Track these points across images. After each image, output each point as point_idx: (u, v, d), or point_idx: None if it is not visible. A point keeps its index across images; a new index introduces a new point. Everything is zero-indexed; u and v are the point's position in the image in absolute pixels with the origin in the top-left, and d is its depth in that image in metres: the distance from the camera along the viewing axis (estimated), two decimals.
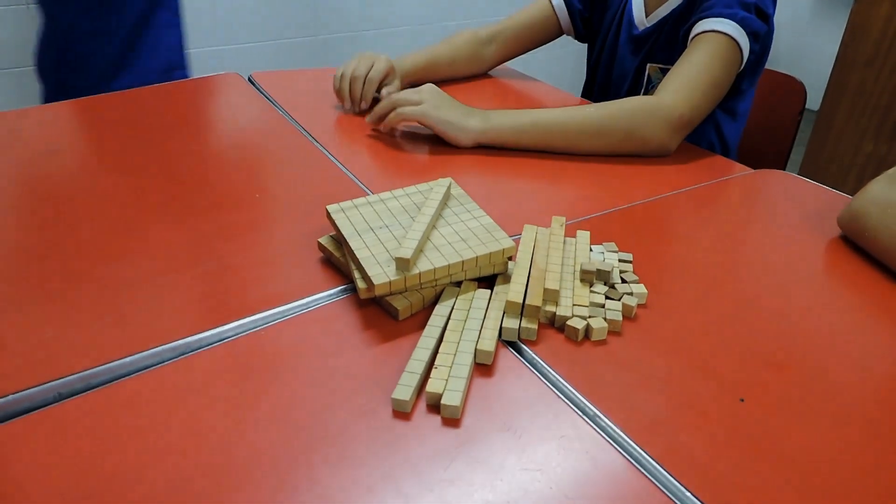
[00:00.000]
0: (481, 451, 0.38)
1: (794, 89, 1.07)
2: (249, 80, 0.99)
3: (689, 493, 0.36)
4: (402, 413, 0.41)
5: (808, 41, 2.91)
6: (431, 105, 0.80)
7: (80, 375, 0.43)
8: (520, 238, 0.56)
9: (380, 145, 0.81)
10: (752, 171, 0.80)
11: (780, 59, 2.74)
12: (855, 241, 0.61)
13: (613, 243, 0.58)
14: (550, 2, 1.04)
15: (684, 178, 0.76)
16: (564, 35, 1.09)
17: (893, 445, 0.40)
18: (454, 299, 0.49)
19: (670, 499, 0.36)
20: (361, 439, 0.39)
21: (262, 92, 0.94)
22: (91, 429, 0.39)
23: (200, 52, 1.94)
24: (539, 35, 1.08)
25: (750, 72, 0.89)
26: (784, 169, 1.12)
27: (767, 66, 0.96)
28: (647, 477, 0.37)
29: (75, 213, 0.63)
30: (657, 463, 0.38)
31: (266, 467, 0.37)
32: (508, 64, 1.14)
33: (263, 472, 0.36)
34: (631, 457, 0.38)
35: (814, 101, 1.64)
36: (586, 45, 1.11)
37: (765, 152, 1.12)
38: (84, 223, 0.61)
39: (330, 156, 0.77)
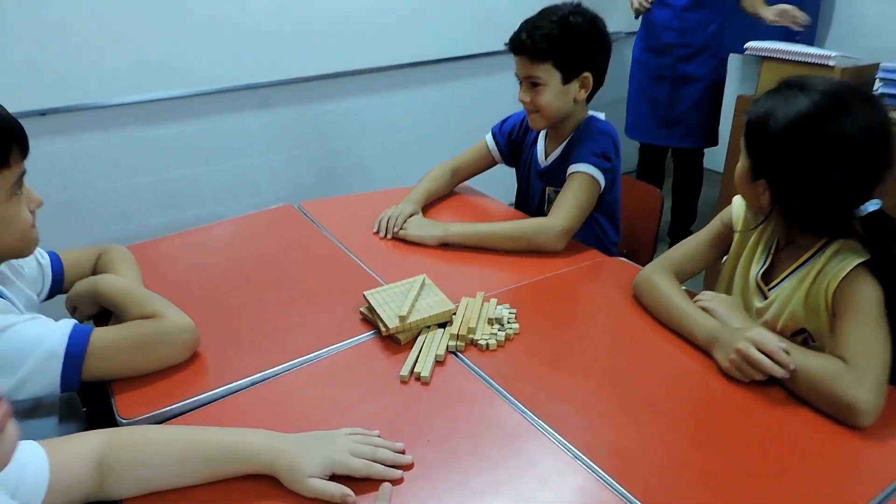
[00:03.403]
0: (439, 395, 0.97)
1: (653, 195, 1.70)
2: (300, 208, 1.61)
3: (532, 414, 0.94)
4: (404, 381, 0.99)
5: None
6: (410, 228, 1.45)
7: (264, 374, 1.01)
8: (458, 304, 1.15)
9: (387, 252, 1.42)
10: (603, 258, 1.40)
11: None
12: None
13: (507, 304, 1.17)
14: (487, 146, 1.69)
15: (560, 265, 1.36)
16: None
17: (648, 380, 0.99)
18: (427, 333, 1.08)
19: (524, 418, 0.94)
20: (386, 393, 0.97)
21: (309, 218, 1.56)
22: (280, 400, 0.97)
23: (222, 168, 2.58)
24: (482, 165, 1.72)
25: (608, 190, 1.50)
26: (654, 250, 1.73)
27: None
28: (510, 405, 0.95)
29: (224, 299, 1.22)
30: (516, 400, 0.96)
31: (340, 413, 0.95)
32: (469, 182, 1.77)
33: (340, 414, 0.95)
34: (505, 398, 0.97)
35: None
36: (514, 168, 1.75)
37: (639, 239, 1.74)
38: (230, 303, 1.20)
39: (358, 261, 1.37)
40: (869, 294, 0.97)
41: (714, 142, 2.78)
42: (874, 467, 0.83)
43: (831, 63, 2.08)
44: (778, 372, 0.94)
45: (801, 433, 0.89)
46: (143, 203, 2.42)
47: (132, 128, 2.35)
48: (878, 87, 2.05)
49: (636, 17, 2.62)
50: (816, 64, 2.12)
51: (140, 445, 0.81)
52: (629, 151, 3.25)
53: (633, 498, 0.78)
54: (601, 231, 1.60)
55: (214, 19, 2.33)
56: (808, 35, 3.13)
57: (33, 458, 0.73)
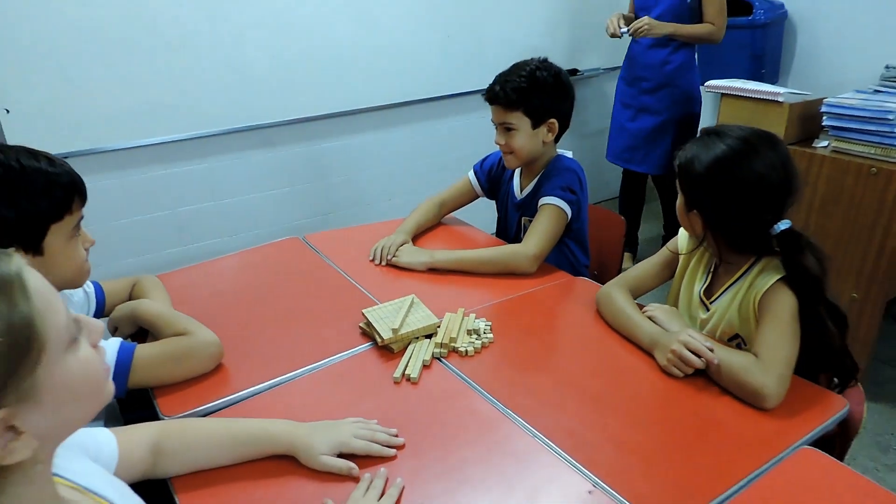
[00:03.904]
0: (426, 392, 1.18)
1: (618, 223, 1.93)
2: (304, 240, 1.84)
3: (502, 405, 1.16)
4: (397, 382, 1.21)
5: None
6: (401, 255, 1.67)
7: (280, 378, 1.22)
8: (442, 319, 1.37)
9: (381, 276, 1.65)
10: (571, 278, 1.63)
11: None
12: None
13: (484, 318, 1.39)
14: (470, 182, 1.92)
15: (532, 284, 1.58)
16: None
17: (607, 373, 1.20)
18: (416, 343, 1.30)
19: (498, 411, 1.16)
20: (382, 391, 1.19)
21: (313, 248, 1.79)
22: (294, 399, 1.19)
23: (228, 203, 2.81)
24: (466, 199, 1.96)
25: (575, 219, 1.73)
26: (620, 270, 1.96)
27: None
28: (484, 398, 1.17)
29: (242, 319, 1.44)
30: (489, 395, 1.18)
31: (345, 408, 1.16)
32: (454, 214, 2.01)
33: (345, 408, 1.16)
34: (480, 393, 1.18)
35: None
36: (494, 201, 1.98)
37: (607, 261, 1.97)
38: (248, 322, 1.42)
39: (357, 284, 1.59)
40: (784, 303, 1.20)
41: (669, 170, 3.04)
42: (774, 440, 1.04)
43: (780, 99, 2.33)
44: (702, 365, 1.17)
45: (722, 414, 1.10)
46: (157, 236, 2.65)
47: (145, 168, 2.58)
48: (824, 120, 2.29)
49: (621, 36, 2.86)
50: (767, 100, 2.37)
51: (186, 433, 1.03)
52: (611, 179, 3.52)
53: (581, 467, 1.00)
54: (572, 255, 1.83)
55: (219, 67, 2.58)
56: (773, 70, 3.41)
57: (107, 439, 0.94)
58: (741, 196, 1.21)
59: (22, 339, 0.57)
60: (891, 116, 2.09)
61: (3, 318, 0.55)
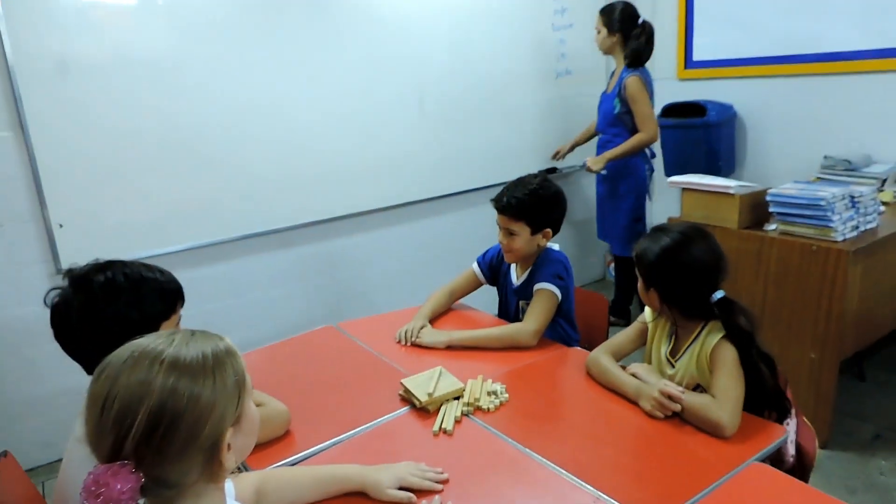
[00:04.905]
0: (459, 440, 1.53)
1: (602, 303, 2.34)
2: (338, 327, 2.21)
3: (520, 445, 1.51)
4: (436, 435, 1.55)
5: None
6: (424, 336, 2.05)
7: (339, 438, 1.57)
8: (466, 384, 1.74)
9: (409, 355, 2.01)
10: (565, 349, 2.01)
11: None
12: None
13: (500, 382, 1.76)
14: (474, 272, 2.33)
15: (535, 355, 1.96)
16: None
17: (601, 413, 1.57)
18: (447, 404, 1.66)
19: (518, 450, 1.51)
20: (424, 442, 1.53)
21: (346, 334, 2.16)
22: (354, 453, 1.53)
23: (249, 299, 3.18)
24: (472, 287, 2.36)
25: (564, 300, 2.13)
26: (606, 336, 2.34)
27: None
28: (506, 442, 1.52)
29: (299, 393, 1.78)
30: (510, 438, 1.53)
31: (397, 455, 1.51)
32: (462, 301, 2.40)
33: (397, 456, 1.51)
34: (503, 438, 1.54)
35: None
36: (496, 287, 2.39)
37: (594, 335, 2.35)
38: (304, 395, 1.76)
39: (390, 361, 1.96)
40: (728, 355, 1.59)
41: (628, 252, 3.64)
42: (731, 458, 1.40)
43: (732, 191, 2.81)
44: (678, 409, 1.53)
45: (690, 442, 1.46)
46: None
47: (175, 272, 2.95)
48: (771, 207, 2.77)
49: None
50: (720, 192, 2.85)
51: (280, 478, 1.36)
52: (590, 265, 3.95)
53: (586, 485, 1.34)
54: (563, 331, 2.22)
55: (240, 179, 3.03)
56: (729, 163, 3.96)
57: (227, 483, 1.27)
58: (684, 276, 1.63)
59: (242, 380, 0.94)
60: (822, 203, 2.56)
61: (235, 368, 0.93)
